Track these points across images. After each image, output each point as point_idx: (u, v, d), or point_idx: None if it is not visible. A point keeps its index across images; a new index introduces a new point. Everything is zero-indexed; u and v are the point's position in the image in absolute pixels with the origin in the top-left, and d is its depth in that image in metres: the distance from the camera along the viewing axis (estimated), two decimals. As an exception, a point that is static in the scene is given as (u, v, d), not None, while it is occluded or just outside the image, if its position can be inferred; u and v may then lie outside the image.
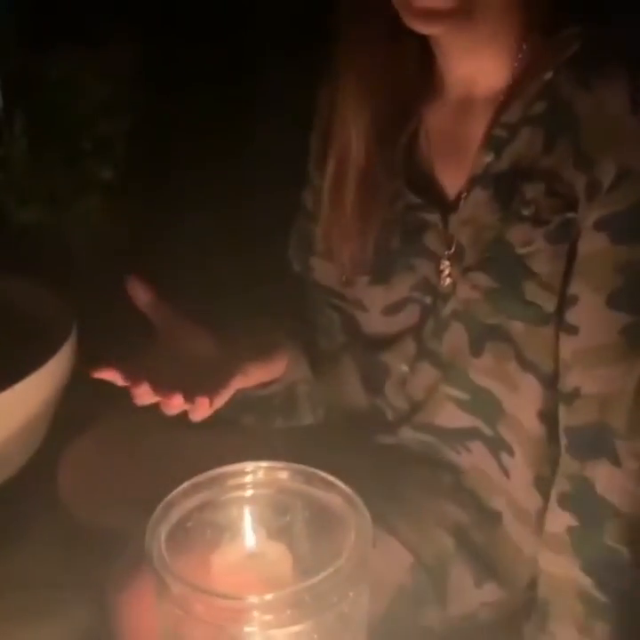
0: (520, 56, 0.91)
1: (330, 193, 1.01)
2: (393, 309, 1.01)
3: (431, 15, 0.85)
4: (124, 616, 0.91)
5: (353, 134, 0.98)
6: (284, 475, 0.73)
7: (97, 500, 1.16)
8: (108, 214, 1.89)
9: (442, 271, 0.96)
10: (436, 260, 0.96)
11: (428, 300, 0.98)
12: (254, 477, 0.73)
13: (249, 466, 0.73)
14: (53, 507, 1.21)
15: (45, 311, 1.41)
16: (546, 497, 0.93)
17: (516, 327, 0.91)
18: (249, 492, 0.73)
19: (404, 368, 1.02)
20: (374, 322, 1.04)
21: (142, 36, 2.46)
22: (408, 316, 1.00)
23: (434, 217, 0.96)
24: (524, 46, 0.91)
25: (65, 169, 1.86)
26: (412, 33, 0.90)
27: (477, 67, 0.93)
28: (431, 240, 0.96)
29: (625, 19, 0.90)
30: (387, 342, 1.03)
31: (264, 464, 0.73)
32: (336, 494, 0.71)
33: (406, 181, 0.98)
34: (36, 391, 1.27)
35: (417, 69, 0.98)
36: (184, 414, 1.13)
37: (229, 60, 2.54)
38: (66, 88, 2.00)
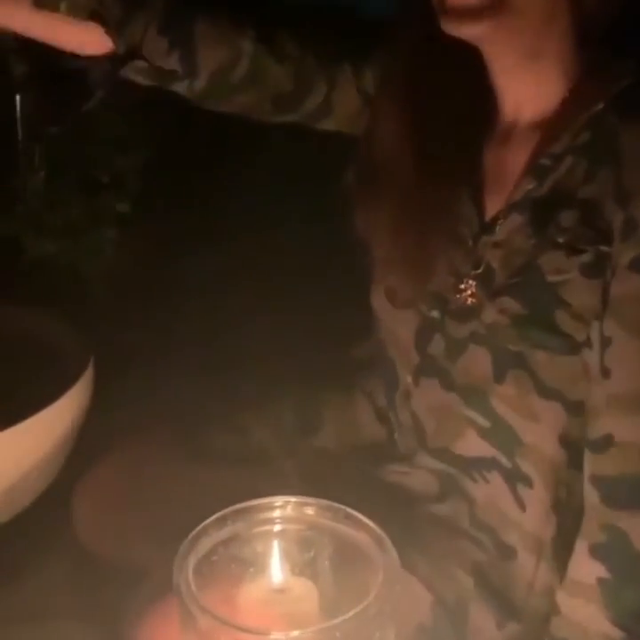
0: (570, 86, 0.92)
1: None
2: (393, 298, 1.02)
3: (465, 14, 0.86)
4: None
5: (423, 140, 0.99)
6: (312, 510, 0.73)
7: (111, 532, 1.16)
8: (124, 247, 1.91)
9: (463, 290, 0.96)
10: (458, 276, 0.96)
11: (435, 314, 0.98)
12: (282, 512, 0.73)
13: (277, 500, 0.73)
14: (67, 538, 1.20)
15: (62, 343, 1.42)
16: (562, 523, 0.92)
17: (539, 356, 0.90)
18: (277, 527, 0.73)
19: (409, 379, 1.02)
20: (377, 298, 1.04)
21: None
22: (405, 320, 1.01)
23: (467, 233, 0.96)
24: (574, 76, 0.92)
25: (82, 201, 1.88)
26: (469, 61, 0.93)
27: (526, 89, 0.94)
28: (458, 256, 0.97)
29: None
30: (393, 344, 1.03)
31: (292, 499, 0.73)
32: (364, 532, 0.71)
33: (467, 192, 0.99)
34: (52, 424, 1.27)
35: (476, 99, 0.99)
36: (203, 448, 1.14)
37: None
38: (84, 122, 2.02)
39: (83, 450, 1.33)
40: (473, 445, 0.98)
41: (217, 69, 1.06)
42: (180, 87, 1.08)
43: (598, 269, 0.86)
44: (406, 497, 1.05)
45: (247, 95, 1.09)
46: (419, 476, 1.05)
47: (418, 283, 0.99)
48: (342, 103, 1.09)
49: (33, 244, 1.87)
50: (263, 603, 0.71)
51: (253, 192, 2.12)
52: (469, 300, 0.95)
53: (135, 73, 1.07)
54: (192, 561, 0.69)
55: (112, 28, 1.03)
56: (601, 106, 0.88)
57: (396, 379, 1.04)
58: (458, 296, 0.96)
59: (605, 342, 0.86)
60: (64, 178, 1.89)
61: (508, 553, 0.98)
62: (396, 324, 1.02)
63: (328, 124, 1.11)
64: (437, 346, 0.98)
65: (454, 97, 0.98)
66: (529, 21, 0.88)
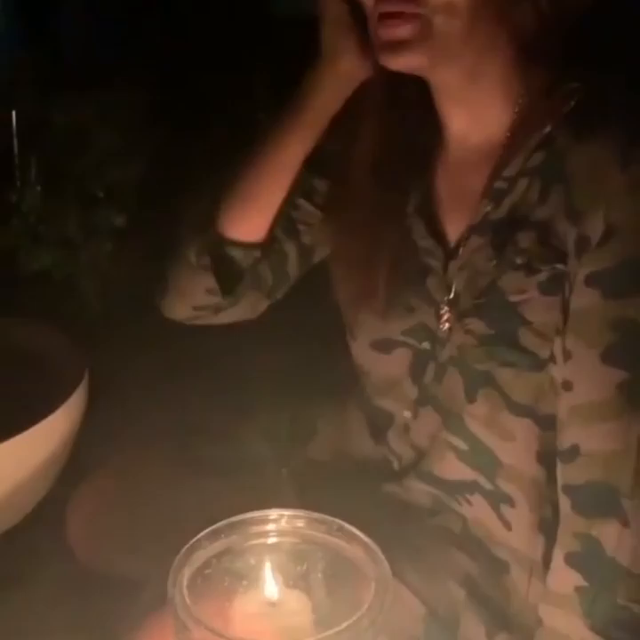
0: (517, 109, 0.93)
1: (342, 210, 1.04)
2: (381, 346, 1.02)
3: (393, 48, 0.88)
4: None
5: (370, 178, 1.01)
6: (305, 523, 0.74)
7: (105, 545, 1.16)
8: (120, 260, 1.91)
9: (441, 316, 0.97)
10: (436, 305, 0.98)
11: (427, 345, 0.99)
12: (276, 525, 0.74)
13: (271, 513, 0.74)
14: (61, 551, 1.20)
15: (57, 356, 1.42)
16: (550, 539, 0.93)
17: (507, 374, 0.92)
18: (270, 540, 0.74)
19: (407, 414, 1.03)
20: (362, 355, 1.05)
21: (153, 85, 2.50)
22: (397, 360, 1.01)
23: (436, 262, 0.98)
24: (521, 100, 0.93)
25: (77, 215, 1.89)
26: (417, 93, 0.95)
27: (473, 114, 0.96)
28: (432, 285, 0.98)
29: (624, 76, 0.92)
30: (385, 388, 1.04)
31: (286, 512, 0.74)
32: (357, 545, 0.71)
33: (422, 227, 1.00)
34: (46, 437, 1.27)
35: (429, 126, 1.01)
36: (197, 460, 1.15)
37: (240, 104, 2.57)
38: (79, 136, 2.03)
39: (77, 463, 1.33)
40: (454, 469, 0.99)
41: None
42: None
43: (556, 287, 0.88)
44: (399, 509, 1.06)
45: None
46: (411, 493, 1.05)
47: (399, 320, 1.00)
48: (313, 234, 1.12)
49: (29, 256, 1.87)
50: (256, 615, 0.72)
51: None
52: (446, 326, 0.96)
53: None
54: (186, 574, 0.69)
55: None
56: (549, 127, 0.90)
57: (389, 418, 1.05)
58: (440, 324, 0.97)
59: (566, 355, 0.88)
60: (60, 191, 1.90)
61: (500, 567, 0.99)
62: (390, 368, 1.03)
63: (323, 251, 1.14)
64: (430, 374, 0.99)
65: (402, 131, 1.01)
66: (463, 48, 0.89)
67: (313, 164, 1.06)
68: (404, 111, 1.00)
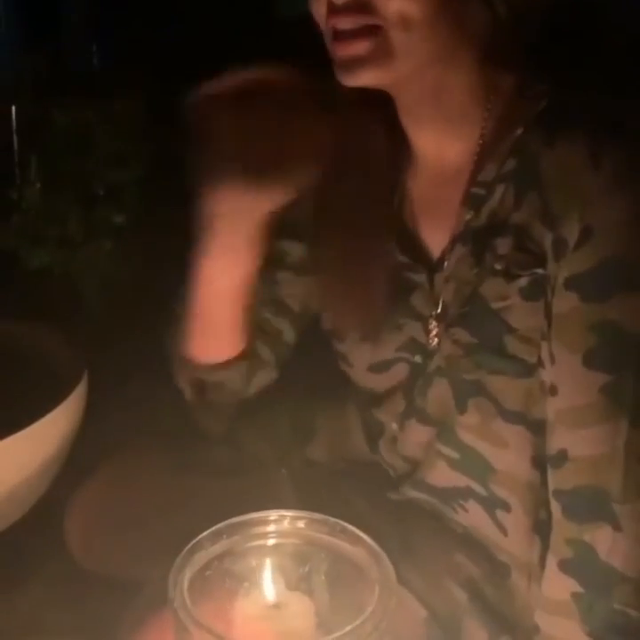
0: (486, 115, 0.92)
1: (316, 251, 1.03)
2: (379, 368, 1.02)
3: (351, 65, 0.86)
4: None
5: (337, 205, 0.99)
6: (307, 525, 0.73)
7: (104, 547, 1.15)
8: (120, 259, 1.91)
9: (430, 331, 0.97)
10: (424, 320, 0.97)
11: (418, 358, 0.98)
12: (277, 526, 0.73)
13: (272, 514, 0.73)
14: (60, 552, 1.20)
15: (57, 355, 1.42)
16: (546, 542, 0.92)
17: (497, 382, 0.91)
18: (271, 542, 0.73)
19: (394, 426, 1.02)
20: (361, 378, 1.05)
21: (153, 83, 2.50)
22: (395, 375, 1.01)
23: (421, 277, 0.97)
24: (490, 106, 0.91)
25: (77, 214, 1.88)
26: (381, 108, 0.93)
27: (441, 131, 0.94)
28: (418, 300, 0.97)
29: (591, 77, 0.91)
30: (379, 399, 1.04)
31: (288, 513, 0.73)
32: (360, 547, 0.71)
33: (395, 243, 0.99)
34: (45, 436, 1.27)
35: (395, 143, 0.99)
36: (197, 461, 1.14)
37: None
38: (79, 135, 2.02)
39: (76, 463, 1.32)
40: (446, 477, 0.99)
41: None
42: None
43: (537, 292, 0.87)
44: (399, 512, 1.05)
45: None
46: (410, 499, 1.05)
47: (390, 340, 1.00)
48: (301, 297, 1.10)
49: (29, 255, 1.87)
50: (258, 618, 0.71)
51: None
52: (435, 341, 0.96)
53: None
54: (187, 575, 0.69)
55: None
56: (520, 131, 0.89)
57: (380, 429, 1.05)
58: (429, 338, 0.97)
59: (549, 360, 0.87)
60: (60, 190, 1.90)
61: (502, 570, 0.98)
62: (388, 383, 1.03)
63: (315, 305, 1.12)
64: (417, 388, 0.99)
65: (371, 149, 0.99)
66: (423, 61, 0.87)
67: (277, 230, 1.04)
68: (368, 129, 0.99)
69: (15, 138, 1.89)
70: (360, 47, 0.85)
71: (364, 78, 0.87)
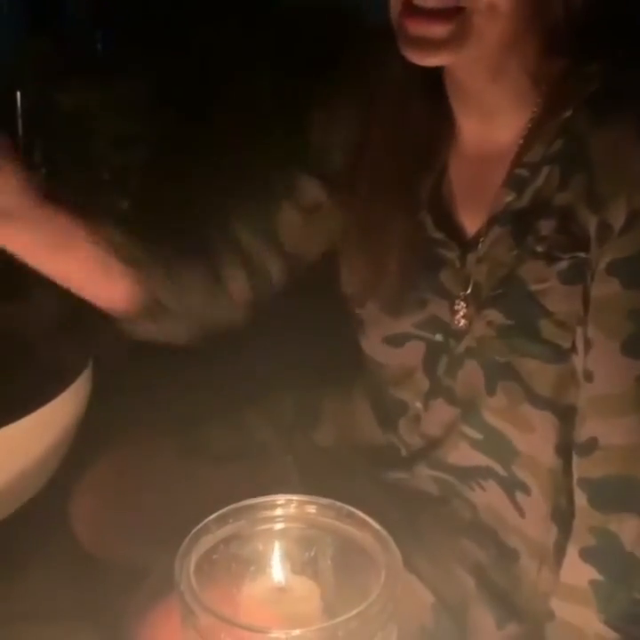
0: (538, 96, 0.91)
1: (360, 232, 1.02)
2: (394, 341, 1.01)
3: (425, 45, 0.84)
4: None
5: (378, 177, 0.99)
6: (314, 509, 0.73)
7: (110, 531, 1.15)
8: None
9: (456, 311, 0.96)
10: (451, 298, 0.96)
11: (439, 337, 0.98)
12: (283, 510, 0.72)
13: (279, 498, 0.72)
14: (66, 537, 1.20)
15: (61, 341, 1.41)
16: (563, 529, 0.92)
17: (529, 365, 0.90)
18: (278, 526, 0.72)
19: (418, 405, 1.02)
20: (374, 349, 1.04)
21: (157, 67, 2.49)
22: (411, 352, 1.00)
23: (452, 255, 0.96)
24: (541, 85, 0.91)
25: (82, 199, 1.87)
26: (432, 83, 0.92)
27: (489, 115, 0.94)
28: (447, 278, 0.97)
29: None
30: (398, 378, 1.03)
31: (294, 497, 0.72)
32: (366, 531, 0.70)
33: (431, 220, 0.98)
34: (50, 421, 1.26)
35: (437, 118, 0.99)
36: (202, 445, 1.14)
37: (245, 90, 2.57)
38: (83, 119, 2.02)
39: (81, 448, 1.32)
40: (467, 456, 0.98)
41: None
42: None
43: (577, 276, 0.86)
44: (407, 496, 1.05)
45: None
46: (419, 480, 1.05)
47: (410, 314, 0.99)
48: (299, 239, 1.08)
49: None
50: (264, 602, 0.71)
51: (257, 191, 2.12)
52: (462, 321, 0.95)
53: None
54: (193, 559, 0.68)
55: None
56: (570, 113, 0.88)
57: (402, 408, 1.04)
58: (454, 317, 0.96)
59: (587, 346, 0.86)
60: (64, 175, 1.89)
61: (510, 555, 0.98)
62: (403, 360, 1.02)
63: (312, 255, 1.10)
64: (442, 367, 0.98)
65: (418, 123, 0.98)
66: (492, 48, 0.86)
67: (300, 162, 1.03)
68: (417, 102, 0.98)
69: (20, 123, 1.88)
70: (439, 29, 0.83)
71: (436, 60, 0.86)
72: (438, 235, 0.97)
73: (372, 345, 1.04)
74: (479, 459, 0.97)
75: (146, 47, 2.56)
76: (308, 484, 1.05)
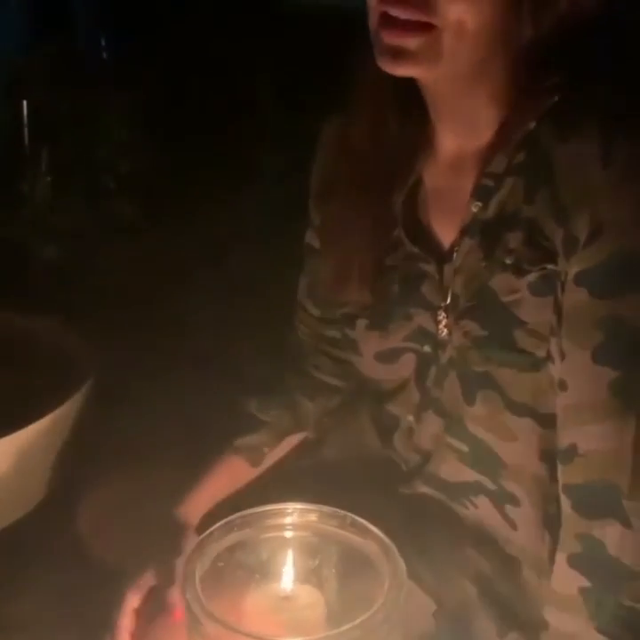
0: (504, 108, 0.92)
1: (330, 236, 1.03)
2: (386, 357, 1.02)
3: (398, 56, 0.86)
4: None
5: (353, 189, 1.00)
6: (318, 517, 0.73)
7: (116, 540, 1.16)
8: (129, 252, 1.91)
9: (439, 322, 0.97)
10: (433, 310, 0.97)
11: (428, 348, 0.98)
12: (289, 519, 0.73)
13: (283, 507, 0.73)
14: (67, 543, 1.20)
15: (67, 348, 1.42)
16: (555, 537, 0.92)
17: (505, 374, 0.91)
18: (283, 534, 0.73)
19: (410, 418, 1.02)
20: (369, 367, 1.05)
21: (162, 77, 2.51)
22: (404, 366, 1.01)
23: (430, 268, 0.97)
24: (507, 98, 0.91)
25: (88, 206, 1.89)
26: (410, 97, 0.93)
27: (466, 123, 0.95)
28: (428, 290, 0.97)
29: (606, 72, 0.90)
30: (392, 392, 1.04)
31: (299, 506, 0.73)
32: (370, 540, 0.71)
33: (405, 233, 0.99)
34: (54, 429, 1.27)
35: (413, 129, 0.99)
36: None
37: (248, 98, 2.58)
38: (89, 126, 2.03)
39: (85, 457, 1.33)
40: (457, 471, 0.99)
41: None
42: None
43: (547, 287, 0.87)
44: (410, 507, 1.05)
45: None
46: (421, 495, 1.05)
47: (398, 328, 1.00)
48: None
49: (38, 248, 1.87)
50: (269, 610, 0.71)
51: (260, 198, 2.13)
52: (444, 331, 0.96)
53: None
54: (199, 567, 0.69)
55: None
56: (533, 124, 0.89)
57: (395, 422, 1.05)
58: (437, 328, 0.97)
59: (561, 355, 0.87)
60: (70, 182, 1.90)
61: (512, 565, 0.98)
62: (397, 374, 1.03)
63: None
64: (431, 378, 0.99)
65: (394, 134, 0.99)
66: (462, 65, 0.87)
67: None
68: (393, 113, 0.99)
69: (26, 131, 1.89)
70: (410, 41, 0.85)
71: (407, 70, 0.87)
72: (414, 249, 0.98)
73: (366, 363, 1.05)
74: (468, 473, 0.98)
75: (151, 55, 2.58)
76: (314, 495, 1.06)
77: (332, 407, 1.16)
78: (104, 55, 3.07)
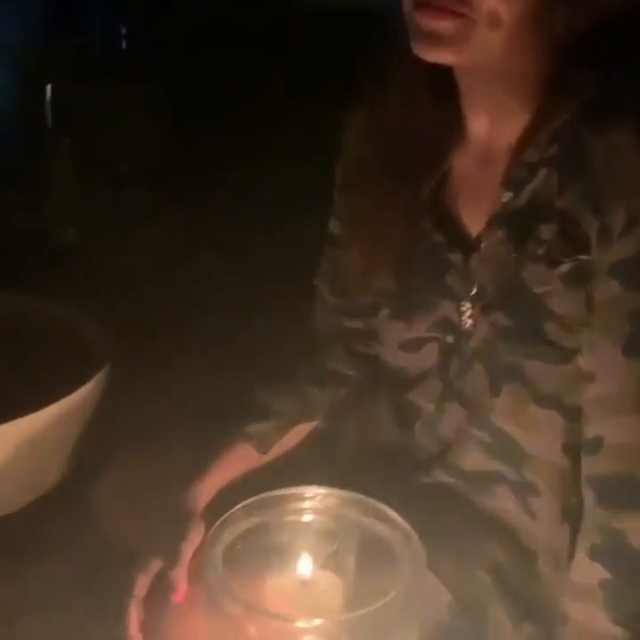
0: (538, 99, 0.91)
1: (358, 226, 1.03)
2: (410, 346, 1.01)
3: (433, 40, 0.85)
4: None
5: (382, 179, 1.00)
6: (339, 502, 0.73)
7: (133, 523, 1.16)
8: (149, 239, 1.92)
9: (463, 312, 0.96)
10: (458, 300, 0.97)
11: (451, 338, 0.98)
12: (309, 503, 0.73)
13: (305, 491, 0.73)
14: (84, 527, 1.20)
15: (86, 333, 1.43)
16: (575, 529, 0.92)
17: (533, 366, 0.90)
18: (303, 518, 0.73)
19: (432, 407, 1.02)
20: (392, 357, 1.04)
21: (183, 68, 2.51)
22: (427, 355, 1.00)
23: (456, 257, 0.97)
24: (541, 89, 0.91)
25: (107, 193, 1.90)
26: (443, 85, 0.93)
27: (497, 114, 0.94)
28: (453, 280, 0.97)
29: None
30: (414, 381, 1.03)
31: (320, 490, 0.73)
32: (392, 527, 0.71)
33: (432, 222, 0.99)
34: (69, 413, 1.28)
35: (445, 119, 0.99)
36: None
37: (267, 89, 2.59)
38: (111, 117, 2.04)
39: (101, 439, 1.33)
40: (478, 461, 0.98)
41: None
42: None
43: (579, 278, 0.87)
44: (426, 496, 1.05)
45: None
46: (439, 483, 1.05)
47: (422, 318, 1.00)
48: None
49: (59, 235, 1.88)
50: (287, 593, 0.72)
51: (277, 186, 2.13)
52: (468, 322, 0.96)
53: None
54: (219, 549, 0.69)
55: None
56: (567, 117, 0.88)
57: (416, 411, 1.05)
58: (462, 318, 0.97)
59: (590, 347, 0.87)
60: (92, 170, 1.91)
61: (528, 555, 0.98)
62: (420, 363, 1.02)
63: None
64: (454, 369, 0.99)
65: (426, 123, 0.98)
66: (495, 54, 0.87)
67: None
68: (425, 102, 0.99)
69: (49, 117, 1.90)
70: (446, 25, 0.84)
71: (441, 56, 0.87)
72: (440, 238, 0.98)
73: (390, 353, 1.05)
74: (489, 463, 0.97)
75: (169, 47, 2.59)
76: (333, 483, 1.06)
77: (342, 397, 1.15)
78: (123, 45, 3.08)
